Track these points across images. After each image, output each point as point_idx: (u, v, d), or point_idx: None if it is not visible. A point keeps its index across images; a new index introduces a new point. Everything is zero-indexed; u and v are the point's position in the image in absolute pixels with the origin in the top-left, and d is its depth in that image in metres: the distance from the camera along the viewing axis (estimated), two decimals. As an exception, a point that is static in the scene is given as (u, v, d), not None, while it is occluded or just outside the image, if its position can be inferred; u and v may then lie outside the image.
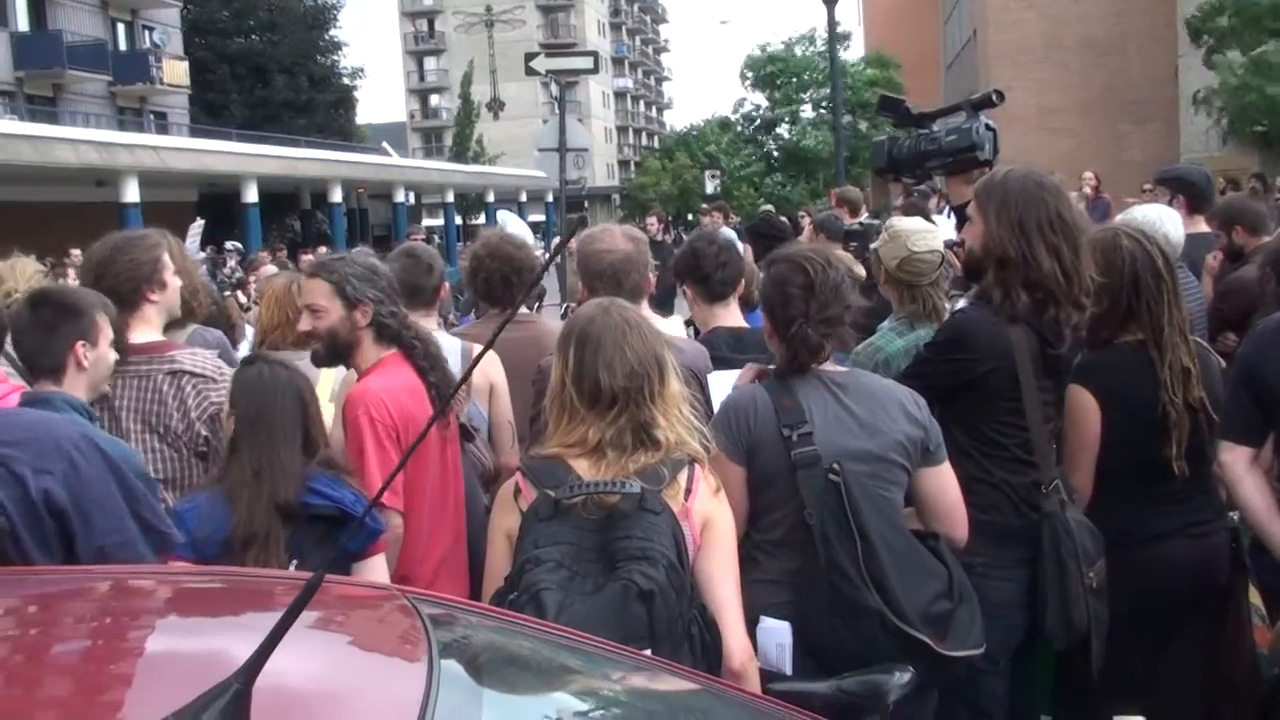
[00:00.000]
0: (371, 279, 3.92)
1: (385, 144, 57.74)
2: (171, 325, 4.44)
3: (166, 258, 4.21)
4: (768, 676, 3.09)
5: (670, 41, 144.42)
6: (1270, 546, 3.75)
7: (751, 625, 3.18)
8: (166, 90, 43.45)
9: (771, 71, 56.86)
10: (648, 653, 2.53)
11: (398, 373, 3.90)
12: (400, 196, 42.13)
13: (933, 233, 4.60)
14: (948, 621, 3.18)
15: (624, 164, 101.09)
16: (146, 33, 44.35)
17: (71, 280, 8.26)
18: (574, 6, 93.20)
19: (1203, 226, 6.57)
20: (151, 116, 43.73)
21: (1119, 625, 3.68)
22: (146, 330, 4.03)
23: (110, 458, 2.90)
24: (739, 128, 59.05)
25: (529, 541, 2.76)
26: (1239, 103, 27.11)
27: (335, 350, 3.94)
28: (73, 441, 2.84)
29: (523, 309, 5.32)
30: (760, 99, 58.97)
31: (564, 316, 7.29)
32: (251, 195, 34.76)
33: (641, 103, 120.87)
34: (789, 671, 3.17)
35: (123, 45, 43.63)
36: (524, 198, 47.51)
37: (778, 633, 3.21)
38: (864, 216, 10.19)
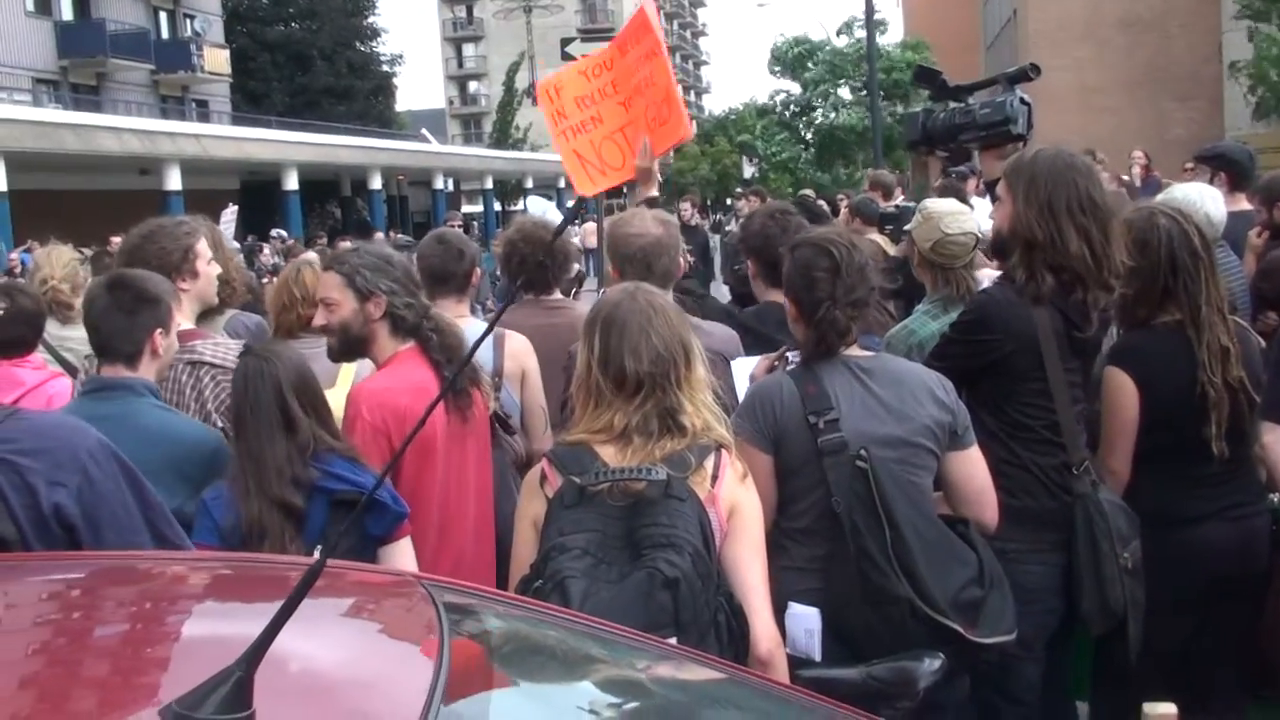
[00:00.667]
0: (385, 270, 3.82)
1: (425, 130, 57.97)
2: (209, 312, 4.45)
3: (200, 246, 4.19)
4: (797, 663, 3.07)
5: (708, 25, 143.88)
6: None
7: (780, 611, 3.17)
8: (208, 78, 43.77)
9: (800, 53, 56.46)
10: (673, 641, 2.52)
11: (405, 369, 3.81)
12: (439, 183, 42.32)
13: (966, 214, 4.54)
14: (978, 608, 3.15)
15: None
16: (188, 21, 44.70)
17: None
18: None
19: (1244, 204, 6.47)
20: (193, 105, 44.11)
21: (1157, 610, 3.63)
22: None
23: (130, 469, 2.85)
24: (775, 114, 58.67)
25: (554, 529, 2.75)
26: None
27: (349, 344, 3.87)
28: (90, 452, 2.78)
29: (558, 294, 5.30)
30: (792, 86, 58.59)
31: (599, 302, 7.25)
32: (292, 183, 35.05)
33: (680, 87, 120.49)
34: (818, 658, 3.15)
35: (165, 34, 43.99)
36: (563, 184, 47.55)
37: (806, 619, 3.19)
38: (898, 199, 10.10)
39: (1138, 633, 3.60)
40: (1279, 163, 17.57)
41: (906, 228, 4.69)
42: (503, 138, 62.93)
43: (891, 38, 58.82)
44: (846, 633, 3.17)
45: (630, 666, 2.06)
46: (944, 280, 4.44)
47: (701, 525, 2.74)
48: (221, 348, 4.04)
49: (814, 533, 3.26)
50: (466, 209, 46.24)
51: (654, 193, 4.96)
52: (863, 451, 3.17)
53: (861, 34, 44.72)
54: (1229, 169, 6.62)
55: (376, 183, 39.06)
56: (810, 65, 55.93)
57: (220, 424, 3.89)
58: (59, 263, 5.62)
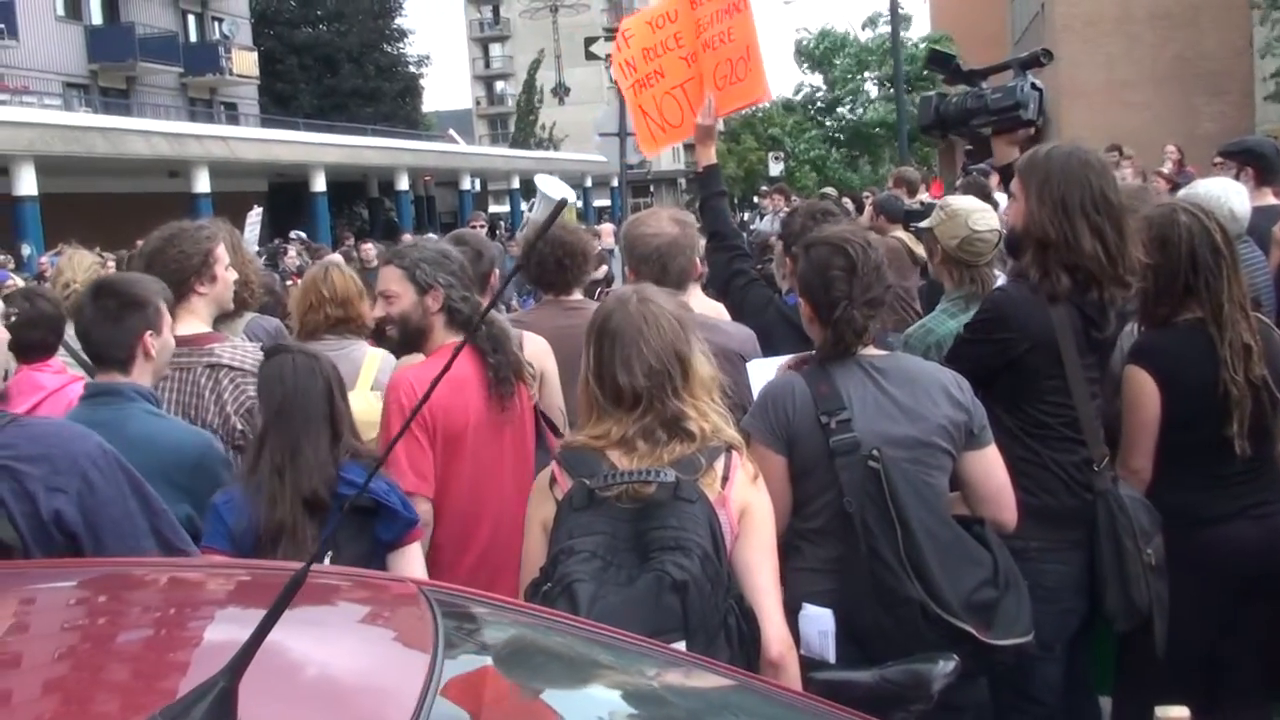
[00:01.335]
0: (443, 263, 3.93)
1: (452, 131, 58.09)
2: (226, 315, 4.47)
3: (220, 251, 4.22)
4: (811, 664, 3.05)
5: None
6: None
7: (795, 613, 3.16)
8: (236, 81, 43.99)
9: (825, 48, 56.24)
10: (682, 645, 2.50)
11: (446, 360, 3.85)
12: (466, 183, 42.37)
13: (990, 212, 4.52)
14: (993, 610, 3.11)
15: (689, 147, 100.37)
16: (216, 24, 44.93)
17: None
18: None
19: (1271, 199, 6.41)
20: (222, 107, 44.33)
21: (1180, 609, 3.60)
22: (193, 322, 4.05)
23: (133, 474, 2.85)
24: (801, 110, 58.46)
25: (563, 532, 2.74)
26: None
27: (409, 336, 3.95)
28: (91, 459, 2.77)
29: (578, 295, 5.29)
30: (817, 80, 58.36)
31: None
32: (319, 184, 35.18)
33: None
34: (832, 659, 3.13)
35: (193, 37, 44.19)
36: (589, 182, 47.66)
37: (820, 620, 3.17)
38: (923, 196, 10.05)
39: (1163, 629, 3.58)
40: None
41: (924, 224, 4.65)
42: (522, 137, 63.01)
43: (917, 32, 58.57)
44: (860, 634, 3.15)
45: (633, 673, 2.04)
46: (969, 278, 4.41)
47: (711, 527, 2.72)
48: (240, 350, 4.07)
49: (827, 534, 3.24)
50: (494, 209, 46.31)
51: (712, 156, 4.93)
52: (875, 452, 3.14)
53: (887, 28, 44.57)
54: (1255, 163, 6.55)
55: (404, 184, 39.16)
56: (836, 60, 55.76)
57: (240, 426, 3.91)
58: (80, 267, 5.67)
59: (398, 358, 4.31)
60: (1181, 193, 5.24)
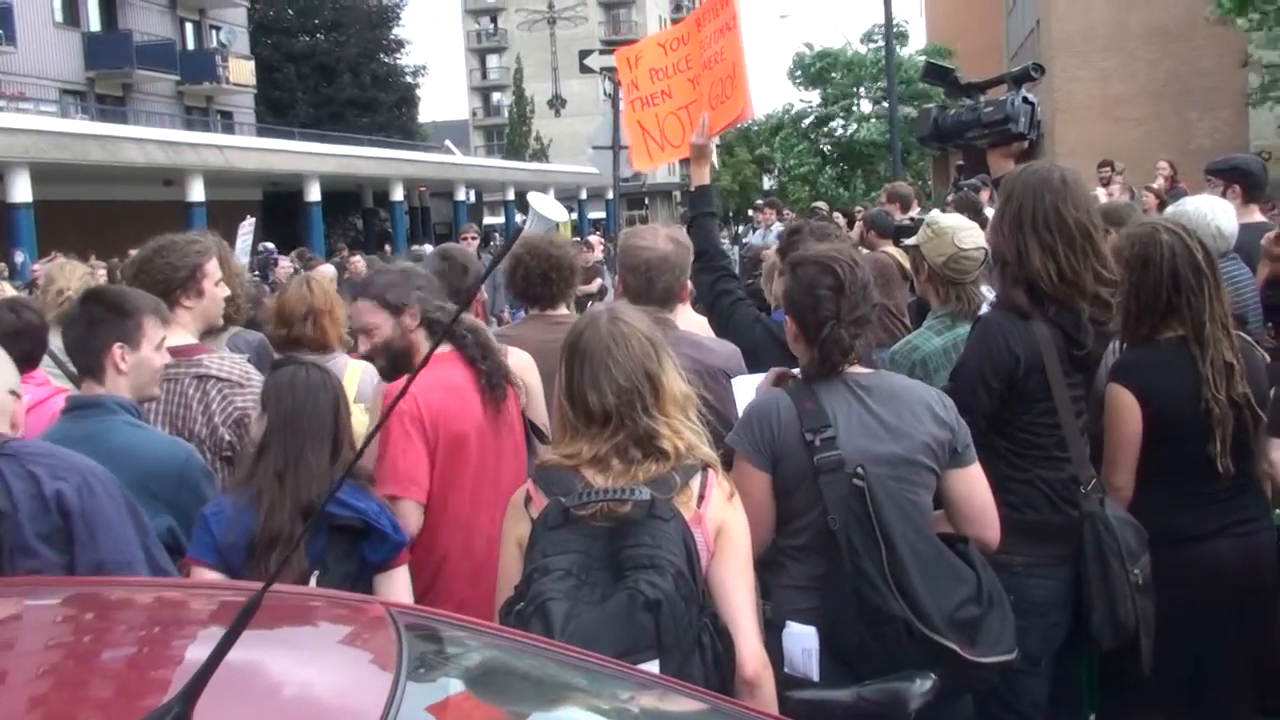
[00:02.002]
0: (409, 281, 3.99)
1: (448, 142, 58.10)
2: (210, 330, 4.46)
3: (209, 266, 4.22)
4: (794, 682, 3.05)
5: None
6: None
7: (778, 630, 3.15)
8: (233, 89, 43.97)
9: (822, 67, 56.35)
10: (655, 663, 2.49)
11: (441, 369, 3.87)
12: (461, 194, 42.34)
13: (976, 230, 4.51)
14: (976, 627, 3.11)
15: (685, 161, 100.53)
16: (214, 32, 44.86)
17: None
18: (635, 3, 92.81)
19: (1258, 216, 6.43)
20: (218, 116, 44.28)
21: (1164, 627, 3.59)
22: (179, 334, 4.04)
23: (130, 500, 2.90)
24: (788, 129, 58.50)
25: (538, 550, 2.73)
26: None
27: (395, 359, 3.98)
28: (92, 469, 2.85)
29: (564, 309, 5.28)
30: (812, 96, 58.43)
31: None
32: (314, 194, 35.15)
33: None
34: (815, 677, 3.12)
35: (190, 45, 44.15)
36: (584, 195, 47.64)
37: (804, 638, 3.16)
38: (915, 211, 10.05)
39: (1149, 648, 3.57)
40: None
41: (910, 242, 4.65)
42: (514, 149, 62.97)
43: (914, 47, 58.67)
44: (843, 652, 3.13)
45: (604, 696, 2.03)
46: (956, 295, 4.40)
47: (686, 545, 2.72)
48: (228, 362, 4.10)
49: (812, 551, 3.23)
50: (489, 220, 46.26)
51: (705, 177, 4.96)
52: (859, 469, 3.13)
53: (882, 42, 44.66)
54: (1242, 180, 6.56)
55: (398, 194, 39.12)
56: (833, 77, 55.87)
57: (228, 437, 3.92)
58: (73, 276, 5.65)
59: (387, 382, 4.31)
60: (1169, 210, 5.25)
